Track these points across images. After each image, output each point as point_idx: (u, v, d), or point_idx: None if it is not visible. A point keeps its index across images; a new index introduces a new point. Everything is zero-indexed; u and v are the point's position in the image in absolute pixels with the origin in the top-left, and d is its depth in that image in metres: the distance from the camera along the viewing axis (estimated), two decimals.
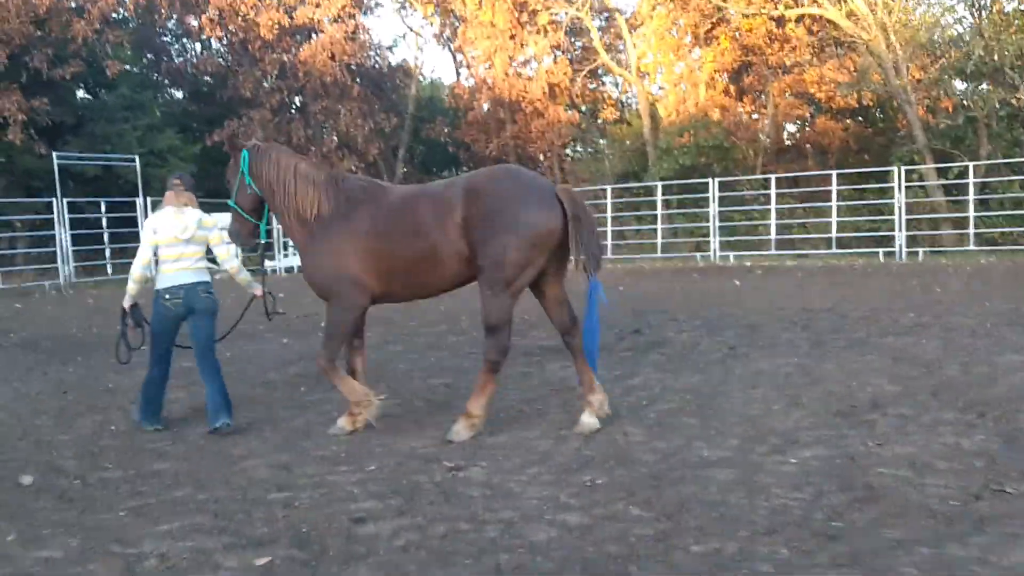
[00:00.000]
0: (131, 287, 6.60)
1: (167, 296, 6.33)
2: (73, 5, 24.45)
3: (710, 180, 23.91)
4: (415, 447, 5.58)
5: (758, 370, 7.59)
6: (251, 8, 28.14)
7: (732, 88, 32.67)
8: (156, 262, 6.51)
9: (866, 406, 6.05)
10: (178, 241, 6.38)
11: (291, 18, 28.89)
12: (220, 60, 31.06)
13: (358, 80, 31.36)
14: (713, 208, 23.55)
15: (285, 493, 4.77)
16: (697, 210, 25.34)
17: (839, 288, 14.68)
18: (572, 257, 5.74)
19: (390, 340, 10.47)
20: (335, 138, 31.20)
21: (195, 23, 30.40)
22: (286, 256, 25.99)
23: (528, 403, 6.71)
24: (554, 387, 7.30)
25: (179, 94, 35.31)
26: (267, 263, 24.32)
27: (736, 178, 26.59)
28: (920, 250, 21.40)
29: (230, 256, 6.72)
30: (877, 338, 9.02)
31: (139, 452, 5.81)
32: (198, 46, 33.98)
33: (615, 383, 7.32)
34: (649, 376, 7.58)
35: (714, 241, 23.63)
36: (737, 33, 29.85)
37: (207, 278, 6.53)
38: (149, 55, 32.64)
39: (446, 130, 37.38)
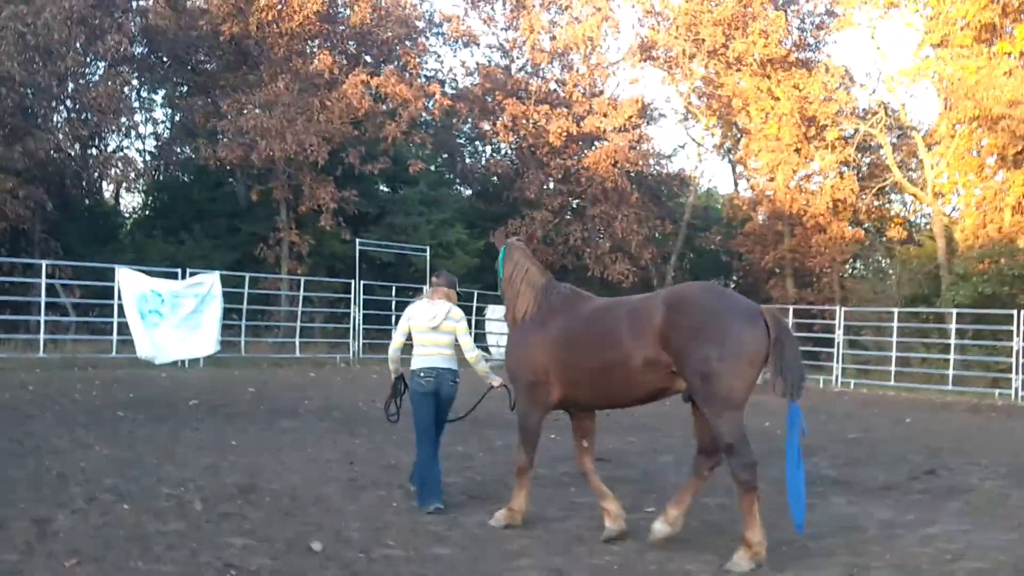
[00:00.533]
0: (391, 365, 7.49)
1: (422, 375, 6.98)
2: (385, 108, 27.01)
3: (1015, 312, 21.72)
4: (690, 572, 5.31)
5: None
6: (543, 116, 29.67)
7: None
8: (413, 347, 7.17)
9: None
10: (427, 329, 7.01)
11: (579, 126, 30.13)
12: (508, 163, 32.91)
13: (636, 187, 31.96)
14: (1018, 342, 21.28)
15: None
16: (996, 342, 23.05)
17: None
18: (771, 380, 5.63)
19: (659, 449, 10.24)
20: (608, 242, 31.80)
21: (488, 127, 32.54)
22: None
23: (814, 540, 6.22)
24: (841, 524, 6.74)
25: (467, 191, 37.79)
26: None
27: None
28: None
29: (471, 347, 7.14)
30: None
31: (420, 533, 5.99)
32: (488, 148, 36.28)
33: (909, 529, 6.65)
34: (950, 527, 6.80)
35: (1016, 379, 21.28)
36: None
37: (455, 367, 7.08)
38: (444, 155, 35.27)
39: (718, 239, 37.03)
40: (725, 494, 7.71)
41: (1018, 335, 21.34)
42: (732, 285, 43.84)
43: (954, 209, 32.00)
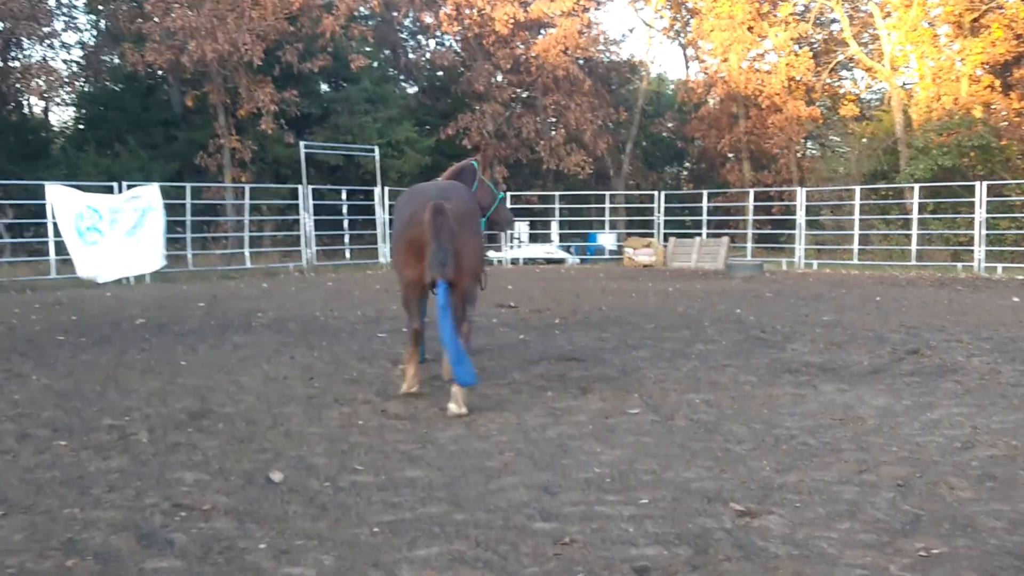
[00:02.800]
0: None
1: None
2: (322, 2, 25.50)
3: (977, 183, 21.51)
4: (689, 479, 4.86)
5: None
6: (487, 3, 28.32)
7: (998, 83, 29.48)
8: None
9: None
10: None
11: (526, 12, 28.85)
12: (454, 55, 31.59)
13: (592, 74, 30.93)
14: (980, 214, 21.16)
15: (552, 524, 4.19)
16: (957, 216, 22.95)
17: None
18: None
19: (634, 344, 9.79)
20: (563, 133, 30.92)
21: (431, 19, 31.08)
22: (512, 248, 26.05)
23: (812, 434, 5.80)
24: (838, 415, 6.33)
25: (414, 88, 36.39)
26: (493, 254, 24.41)
27: (1005, 182, 23.85)
28: None
29: None
30: None
31: (389, 455, 5.45)
32: (432, 42, 34.84)
33: (909, 416, 6.27)
34: (951, 411, 6.44)
35: (979, 251, 21.24)
36: (1013, 22, 26.76)
37: None
38: (387, 51, 33.73)
39: (671, 125, 36.30)
40: (710, 390, 7.29)
41: (980, 207, 21.20)
42: (686, 171, 43.43)
43: (903, 84, 31.53)
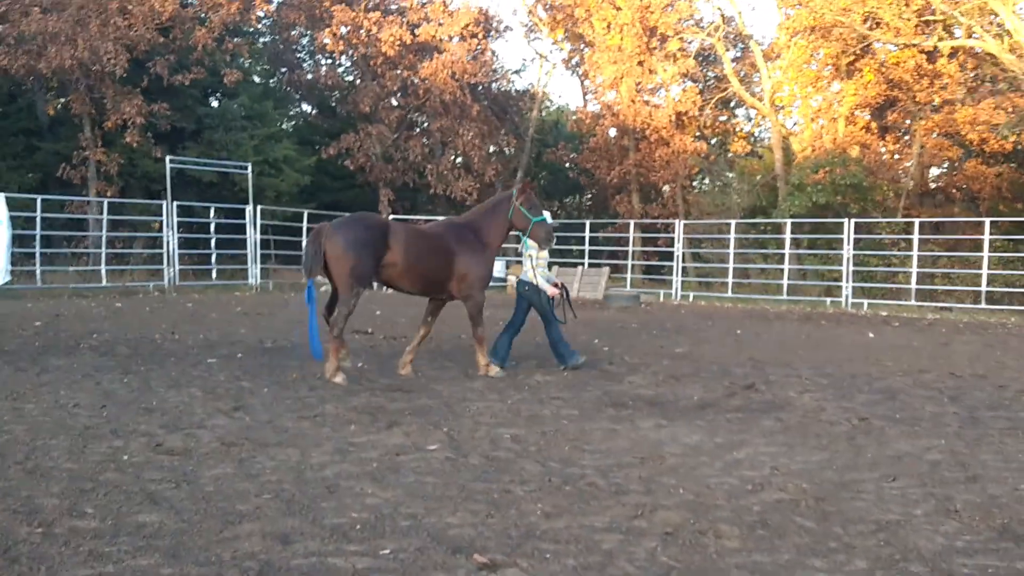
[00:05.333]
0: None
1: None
2: (195, 13, 24.62)
3: (845, 220, 22.03)
4: (448, 525, 4.45)
5: (896, 453, 6.15)
6: (374, 24, 27.89)
7: (874, 125, 30.52)
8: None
9: None
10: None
11: (414, 35, 28.53)
12: (340, 75, 31.00)
13: (482, 100, 30.77)
14: (847, 251, 21.64)
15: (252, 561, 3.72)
16: (829, 251, 23.45)
17: (992, 350, 12.83)
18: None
19: (472, 375, 9.39)
20: (453, 157, 30.63)
21: (329, 40, 30.51)
22: None
23: (604, 474, 5.48)
24: (642, 453, 6.03)
25: (308, 107, 35.66)
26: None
27: (875, 220, 24.54)
28: None
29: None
30: None
31: (133, 496, 4.88)
32: (329, 61, 34.21)
33: (714, 455, 6.02)
34: (759, 449, 6.23)
35: (847, 287, 21.70)
36: (883, 66, 27.76)
37: (526, 278, 9.91)
38: (283, 69, 32.96)
39: (572, 156, 36.37)
40: (526, 424, 6.94)
41: (848, 243, 21.69)
42: (589, 201, 43.64)
43: (796, 124, 32.38)
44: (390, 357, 10.88)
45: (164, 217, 20.81)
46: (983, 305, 20.24)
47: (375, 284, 9.63)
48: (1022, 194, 29.40)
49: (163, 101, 23.33)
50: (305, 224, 23.97)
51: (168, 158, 21.28)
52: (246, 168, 22.83)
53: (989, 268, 20.56)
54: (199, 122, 26.03)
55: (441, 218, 10.24)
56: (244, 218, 22.60)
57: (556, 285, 9.99)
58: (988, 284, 20.51)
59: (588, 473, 5.49)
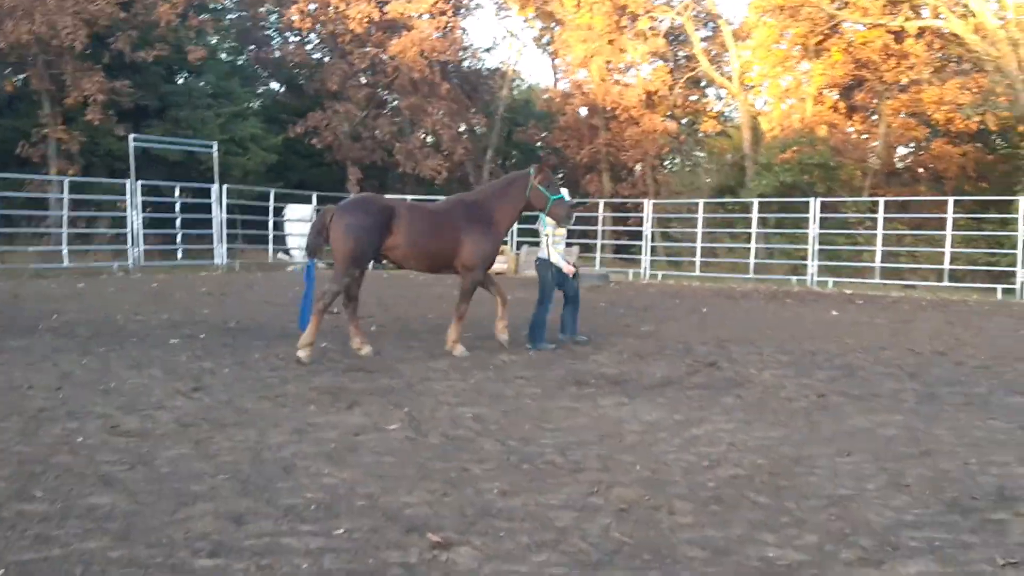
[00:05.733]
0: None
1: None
2: None
3: (811, 199, 22.18)
4: (405, 505, 4.44)
5: (852, 428, 6.22)
6: (343, 1, 27.57)
7: (841, 105, 30.70)
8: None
9: (991, 496, 4.65)
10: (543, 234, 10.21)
11: (382, 12, 28.25)
12: (310, 52, 30.66)
13: (452, 79, 30.59)
14: (813, 229, 21.82)
15: (218, 560, 3.69)
16: (796, 231, 23.61)
17: (952, 328, 13.00)
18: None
19: (436, 354, 9.38)
20: (422, 136, 30.44)
21: (296, 17, 30.13)
22: None
23: (563, 451, 5.49)
24: (602, 431, 6.06)
25: (277, 85, 35.25)
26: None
27: (840, 199, 24.72)
28: None
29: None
30: (1002, 396, 7.53)
31: (86, 478, 4.83)
32: (298, 38, 33.81)
33: (673, 432, 6.06)
34: (718, 426, 6.28)
35: (812, 265, 21.89)
36: (850, 46, 27.88)
37: (543, 256, 10.23)
38: (251, 46, 32.51)
39: (543, 135, 36.28)
40: (488, 403, 6.94)
41: (814, 223, 21.85)
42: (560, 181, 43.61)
43: (765, 103, 32.48)
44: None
45: (128, 196, 20.51)
46: (946, 283, 20.50)
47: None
48: (986, 174, 29.70)
49: (125, 78, 22.94)
50: (272, 203, 23.73)
51: (132, 136, 20.94)
52: (212, 147, 22.55)
53: (952, 247, 20.81)
54: (164, 100, 25.62)
55: (450, 197, 10.39)
56: (210, 197, 22.35)
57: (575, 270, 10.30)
58: (951, 262, 20.76)
59: (547, 451, 5.51)
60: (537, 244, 11.21)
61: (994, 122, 26.41)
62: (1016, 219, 19.87)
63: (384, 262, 9.77)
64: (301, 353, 8.62)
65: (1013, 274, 19.74)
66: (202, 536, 3.97)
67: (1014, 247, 19.85)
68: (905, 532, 4.08)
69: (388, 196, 9.90)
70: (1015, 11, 22.67)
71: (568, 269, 10.03)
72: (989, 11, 22.74)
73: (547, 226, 9.97)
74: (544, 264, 10.14)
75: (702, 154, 37.78)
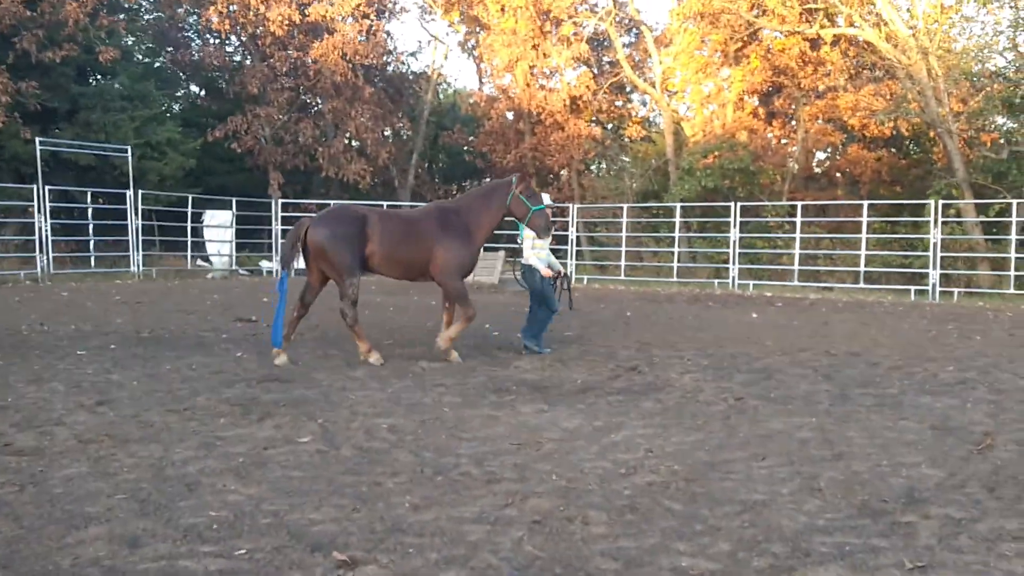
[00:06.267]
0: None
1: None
2: None
3: (732, 204, 22.54)
4: (312, 522, 4.28)
5: (768, 432, 6.25)
6: (262, 2, 27.06)
7: (761, 111, 31.33)
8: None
9: (901, 498, 4.69)
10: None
11: (303, 15, 27.81)
12: (230, 55, 30.01)
13: (377, 82, 30.28)
14: (734, 233, 22.17)
15: None
16: (718, 234, 23.98)
17: (868, 329, 13.30)
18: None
19: (352, 363, 9.19)
20: (346, 140, 30.04)
21: (217, 19, 29.46)
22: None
23: (479, 462, 5.39)
24: (519, 440, 5.97)
25: (197, 88, 34.41)
26: (265, 264, 23.18)
27: (760, 203, 25.19)
28: (955, 290, 19.96)
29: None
30: (913, 396, 7.67)
31: None
32: (217, 41, 33.06)
33: (591, 439, 6.01)
34: (635, 432, 6.25)
35: (733, 268, 22.24)
36: (769, 53, 28.49)
37: (526, 263, 10.09)
38: (170, 48, 31.65)
39: (471, 139, 36.15)
40: (405, 413, 6.79)
41: (734, 227, 22.20)
42: (482, 182, 43.53)
43: (689, 109, 32.94)
44: (270, 346, 10.56)
45: (35, 202, 19.75)
46: (862, 285, 21.02)
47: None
48: (900, 178, 30.64)
49: (32, 79, 22.06)
50: (190, 209, 23.13)
51: (38, 140, 20.16)
52: (126, 151, 21.86)
53: (867, 250, 21.37)
54: (74, 102, 24.72)
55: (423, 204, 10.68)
56: (125, 203, 21.66)
57: (556, 275, 10.24)
58: (866, 265, 21.31)
59: (463, 462, 5.40)
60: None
61: (907, 128, 27.25)
62: (928, 222, 20.50)
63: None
64: (372, 359, 9.11)
65: (926, 275, 20.35)
66: (92, 562, 3.76)
67: (927, 249, 20.46)
68: (817, 537, 4.08)
69: (360, 204, 10.30)
70: (924, 20, 23.41)
71: (546, 272, 9.98)
72: (900, 20, 23.42)
73: (525, 235, 9.93)
74: (530, 271, 10.07)
75: (627, 159, 38.15)
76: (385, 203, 27.47)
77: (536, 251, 9.99)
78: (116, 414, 6.64)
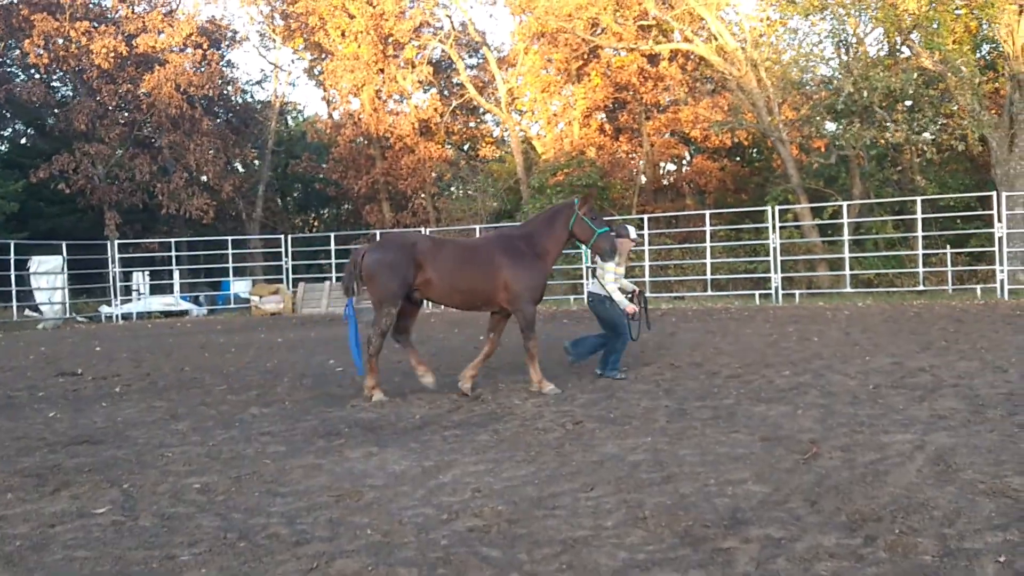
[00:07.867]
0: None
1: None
2: None
3: None
4: None
5: (601, 457, 6.08)
6: (83, 35, 25.68)
7: (608, 126, 31.95)
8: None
9: (724, 521, 4.57)
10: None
11: (131, 46, 26.56)
12: (54, 90, 28.38)
13: (219, 113, 29.24)
14: (585, 250, 22.34)
15: None
16: (571, 250, 24.16)
17: (712, 337, 13.53)
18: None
19: (181, 415, 8.56)
20: (186, 174, 28.82)
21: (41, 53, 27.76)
22: (133, 300, 23.53)
23: (291, 521, 4.97)
24: (341, 490, 5.57)
25: (23, 127, 32.40)
26: (105, 309, 21.84)
27: (611, 218, 25.57)
28: (796, 292, 20.71)
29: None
30: (748, 405, 7.71)
31: None
32: (39, 76, 31.18)
33: (417, 483, 5.68)
34: (467, 469, 5.96)
35: (587, 283, 22.39)
36: (609, 69, 29.10)
37: (596, 291, 9.81)
38: None
39: (323, 166, 35.42)
40: (222, 468, 6.29)
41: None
42: (340, 210, 42.76)
43: (540, 127, 33.24)
44: (94, 400, 9.80)
45: None
46: (709, 292, 21.55)
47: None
48: (744, 186, 31.82)
49: None
50: (13, 256, 21.56)
51: None
52: None
53: (713, 257, 21.94)
54: None
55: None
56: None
57: (633, 297, 9.80)
58: (713, 272, 21.87)
59: (273, 522, 4.97)
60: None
61: (745, 137, 28.29)
62: (767, 228, 21.23)
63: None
64: (376, 396, 8.92)
65: (768, 280, 21.04)
66: None
67: (767, 254, 21.17)
68: (633, 574, 3.88)
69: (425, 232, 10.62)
70: (752, 34, 24.37)
71: (631, 309, 9.50)
72: (729, 34, 24.30)
73: (606, 265, 9.41)
74: (598, 299, 9.72)
75: (480, 180, 38.23)
76: (230, 238, 26.46)
77: (607, 275, 9.47)
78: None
